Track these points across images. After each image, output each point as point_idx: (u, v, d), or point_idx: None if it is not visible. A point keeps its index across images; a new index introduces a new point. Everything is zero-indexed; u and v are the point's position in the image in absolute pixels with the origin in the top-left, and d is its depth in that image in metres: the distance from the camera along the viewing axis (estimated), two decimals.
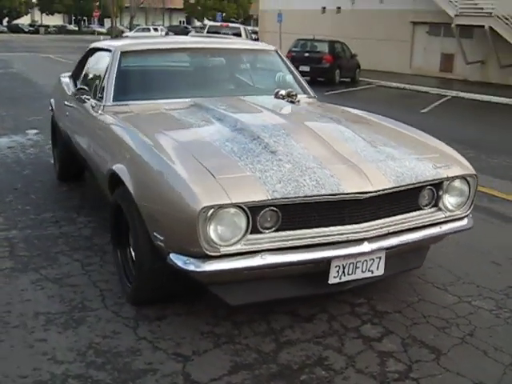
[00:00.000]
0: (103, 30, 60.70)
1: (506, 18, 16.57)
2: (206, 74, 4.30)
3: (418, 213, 2.98)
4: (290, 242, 2.61)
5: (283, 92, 4.07)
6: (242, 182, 2.57)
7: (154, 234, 2.73)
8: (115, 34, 47.18)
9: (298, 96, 4.10)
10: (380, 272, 2.87)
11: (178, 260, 2.56)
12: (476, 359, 2.74)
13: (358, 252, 2.72)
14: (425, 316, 3.12)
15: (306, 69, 16.32)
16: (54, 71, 18.45)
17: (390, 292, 3.38)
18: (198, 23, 64.44)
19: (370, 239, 2.75)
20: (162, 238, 2.68)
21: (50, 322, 2.96)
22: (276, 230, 2.61)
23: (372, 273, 2.85)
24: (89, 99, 3.98)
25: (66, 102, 4.73)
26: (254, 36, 25.03)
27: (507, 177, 6.40)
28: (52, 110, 5.78)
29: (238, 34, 22.31)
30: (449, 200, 3.06)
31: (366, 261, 2.80)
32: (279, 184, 2.58)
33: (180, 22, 69.55)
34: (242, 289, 2.75)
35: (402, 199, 2.89)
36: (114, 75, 3.92)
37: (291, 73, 4.51)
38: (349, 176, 2.72)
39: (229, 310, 3.04)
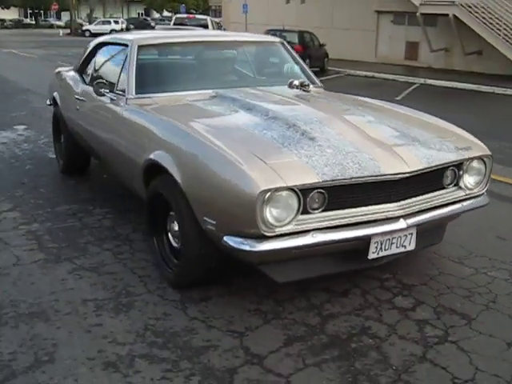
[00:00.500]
0: (61, 24, 59.46)
1: (470, 7, 17.10)
2: (220, 66, 4.43)
3: (442, 191, 3.22)
4: (335, 221, 2.80)
5: (296, 82, 4.25)
6: (292, 167, 2.74)
7: (204, 218, 2.88)
8: (75, 27, 46.34)
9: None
10: (412, 247, 3.09)
11: (233, 242, 2.71)
12: (503, 322, 3.00)
13: (395, 229, 2.93)
14: (448, 287, 3.37)
15: None
16: (21, 67, 18.21)
17: (411, 267, 3.61)
18: (156, 15, 63.78)
19: (405, 216, 2.96)
20: (213, 222, 2.82)
21: (99, 307, 3.08)
22: (323, 211, 2.79)
23: (405, 248, 3.07)
24: (108, 92, 4.07)
25: (76, 96, 4.79)
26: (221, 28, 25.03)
27: None
28: (52, 104, 5.82)
29: (205, 26, 22.31)
30: (468, 179, 3.31)
31: (400, 237, 3.01)
32: (326, 167, 2.76)
33: (138, 13, 68.66)
34: (288, 267, 2.92)
35: (430, 179, 3.12)
36: (134, 68, 4.01)
37: (298, 63, 4.68)
38: (386, 158, 2.92)
39: (270, 290, 3.23)
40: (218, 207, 2.79)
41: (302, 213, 2.73)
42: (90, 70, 4.91)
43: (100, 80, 4.10)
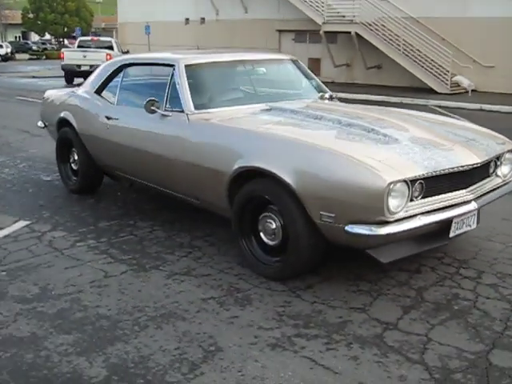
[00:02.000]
0: None
1: (370, 24, 18.68)
2: (259, 82, 4.83)
3: (488, 179, 3.88)
4: (431, 206, 3.34)
5: (327, 95, 4.78)
6: (400, 162, 3.25)
7: (321, 213, 3.28)
8: None
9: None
10: (474, 226, 3.71)
11: (359, 229, 3.14)
12: None
13: (469, 210, 3.53)
14: (494, 258, 4.04)
15: None
16: None
17: (456, 246, 4.23)
18: (36, 37, 61.34)
19: (475, 199, 3.58)
20: (332, 215, 3.24)
21: (222, 303, 3.35)
22: (421, 198, 3.33)
23: (470, 227, 3.68)
24: (158, 109, 4.31)
25: (106, 115, 4.94)
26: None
27: None
28: (46, 126, 5.95)
29: (110, 47, 22.13)
30: (503, 168, 4.01)
31: (469, 217, 3.62)
32: (425, 162, 3.30)
33: (16, 37, 65.47)
34: (390, 249, 3.41)
35: (484, 169, 3.77)
36: (187, 86, 4.30)
37: (313, 78, 5.21)
38: (460, 153, 3.53)
39: (360, 273, 3.71)
40: (338, 201, 3.21)
41: (410, 200, 3.25)
42: (115, 91, 5.06)
43: (152, 98, 4.33)
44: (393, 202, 3.13)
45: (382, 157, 3.27)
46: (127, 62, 5.08)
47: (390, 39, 18.42)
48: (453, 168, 3.39)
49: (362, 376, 2.64)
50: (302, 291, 3.51)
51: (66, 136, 5.64)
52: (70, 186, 5.77)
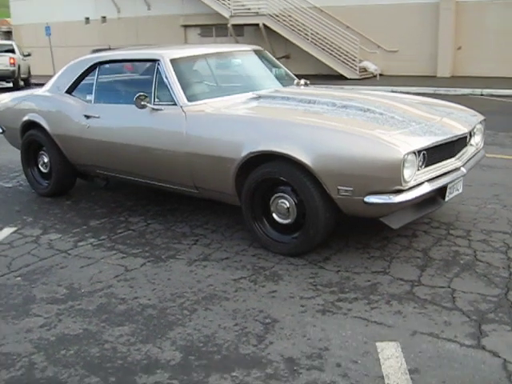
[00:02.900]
0: None
1: (277, 16, 19.21)
2: (239, 73, 5.00)
3: (466, 148, 4.33)
4: (432, 173, 3.72)
5: (302, 81, 5.05)
6: (407, 136, 3.59)
7: (339, 187, 3.54)
8: None
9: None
10: (461, 190, 4.14)
11: (377, 199, 3.44)
12: None
13: (461, 175, 3.95)
14: (474, 218, 4.51)
15: None
16: None
17: (438, 213, 4.67)
18: None
19: (463, 166, 4.01)
20: (350, 189, 3.51)
21: (255, 281, 3.53)
22: (424, 167, 3.69)
23: (458, 191, 4.11)
24: (148, 105, 4.38)
25: (85, 114, 4.90)
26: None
27: None
28: (3, 132, 5.78)
29: (12, 51, 21.10)
30: (475, 138, 4.48)
31: (458, 182, 4.04)
32: (426, 134, 3.67)
33: None
34: (399, 215, 3.75)
35: (464, 139, 4.21)
36: (176, 80, 4.39)
37: (280, 67, 5.46)
38: (450, 125, 3.94)
39: (366, 242, 4.03)
40: (356, 176, 3.48)
41: (417, 170, 3.60)
42: (91, 89, 5.02)
43: (142, 93, 4.38)
44: (407, 172, 3.46)
45: (389, 132, 3.60)
46: (102, 60, 5.05)
47: (298, 29, 19.08)
48: (449, 138, 3.78)
49: (414, 325, 2.94)
50: (323, 263, 3.77)
51: (34, 139, 5.49)
52: (40, 189, 5.63)
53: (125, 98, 4.80)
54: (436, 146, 3.73)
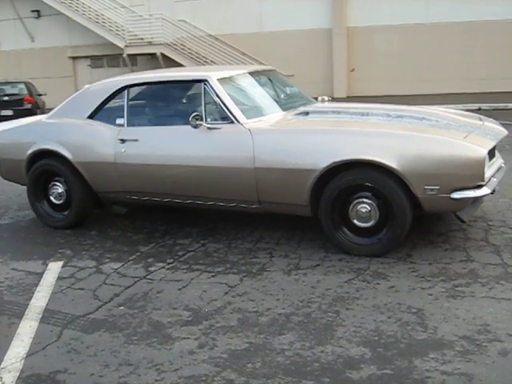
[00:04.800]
0: None
1: (175, 44, 19.40)
2: (274, 91, 5.18)
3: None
4: (492, 169, 4.19)
5: (326, 98, 5.40)
6: (477, 138, 4.05)
7: (425, 187, 3.88)
8: None
9: None
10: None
11: (464, 194, 3.84)
12: None
13: (505, 171, 4.50)
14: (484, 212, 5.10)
15: (10, 113, 15.62)
16: None
17: None
18: None
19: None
20: (436, 188, 3.87)
21: (369, 281, 3.73)
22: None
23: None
24: (204, 124, 4.44)
25: (121, 138, 4.78)
26: None
27: None
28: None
29: None
30: None
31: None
32: (488, 137, 4.18)
33: None
34: (466, 209, 4.16)
35: None
36: (228, 98, 4.50)
37: (293, 86, 5.74)
38: (494, 127, 4.54)
39: (439, 236, 4.42)
40: (443, 175, 3.84)
41: None
42: (121, 113, 4.89)
43: (197, 113, 4.42)
44: (485, 169, 3.91)
45: (461, 135, 4.04)
46: (131, 83, 4.94)
47: (197, 56, 19.41)
48: (501, 138, 4.31)
49: None
50: (410, 259, 4.06)
51: (47, 169, 5.19)
52: (54, 222, 5.31)
53: (168, 120, 4.78)
54: (494, 146, 4.23)
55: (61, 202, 5.27)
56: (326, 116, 4.68)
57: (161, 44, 19.49)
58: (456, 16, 17.13)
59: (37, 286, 4.04)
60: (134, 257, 4.49)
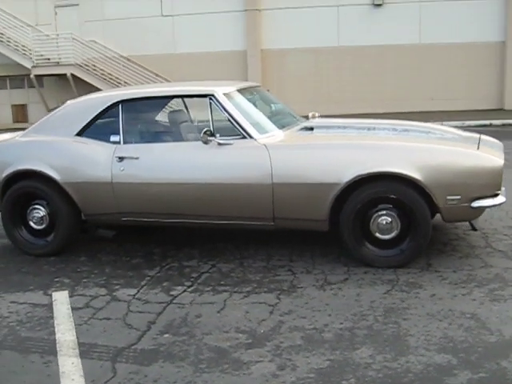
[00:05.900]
0: None
1: (87, 65, 18.67)
2: (265, 107, 5.09)
3: None
4: None
5: (316, 114, 5.43)
6: (488, 150, 4.25)
7: (448, 198, 4.02)
8: None
9: None
10: None
11: (484, 203, 4.03)
12: None
13: None
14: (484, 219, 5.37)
15: None
16: None
17: None
18: None
19: None
20: (458, 198, 4.01)
21: (407, 291, 3.77)
22: None
23: None
24: (215, 139, 4.30)
25: (119, 155, 4.49)
26: None
27: None
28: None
29: None
30: None
31: None
32: (494, 148, 4.38)
33: None
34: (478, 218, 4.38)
35: None
36: (238, 113, 4.40)
37: (278, 102, 5.72)
38: (490, 140, 4.74)
39: (446, 245, 4.57)
40: (464, 185, 4.00)
41: None
42: (116, 130, 4.59)
43: (208, 129, 4.27)
44: (502, 178, 4.13)
45: (474, 147, 4.24)
46: (124, 98, 4.66)
47: (110, 78, 18.83)
48: (501, 149, 4.58)
49: None
50: (432, 267, 4.17)
51: (27, 191, 4.74)
52: (35, 249, 4.84)
53: (171, 136, 4.58)
54: None
55: (42, 226, 4.83)
56: (333, 131, 4.72)
57: (71, 65, 18.70)
58: (367, 40, 18.11)
59: (52, 318, 3.65)
60: (144, 282, 4.20)
